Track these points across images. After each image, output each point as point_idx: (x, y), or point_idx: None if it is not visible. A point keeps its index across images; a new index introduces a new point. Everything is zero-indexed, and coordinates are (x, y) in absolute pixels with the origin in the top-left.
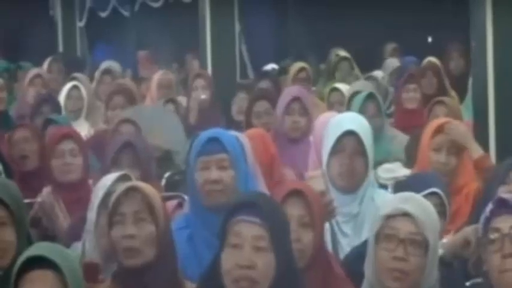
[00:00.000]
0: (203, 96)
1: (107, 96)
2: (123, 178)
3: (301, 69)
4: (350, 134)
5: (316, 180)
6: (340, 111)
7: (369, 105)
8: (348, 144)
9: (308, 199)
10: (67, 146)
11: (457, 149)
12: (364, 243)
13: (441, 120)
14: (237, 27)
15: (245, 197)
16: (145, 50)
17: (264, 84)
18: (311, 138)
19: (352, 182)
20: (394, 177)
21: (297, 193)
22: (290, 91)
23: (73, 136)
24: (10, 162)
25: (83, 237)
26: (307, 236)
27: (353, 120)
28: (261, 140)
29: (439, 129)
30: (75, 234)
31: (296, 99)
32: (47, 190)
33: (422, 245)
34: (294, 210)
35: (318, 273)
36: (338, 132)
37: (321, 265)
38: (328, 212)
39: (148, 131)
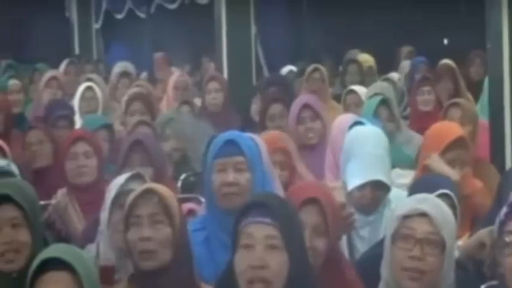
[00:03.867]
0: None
1: (126, 102)
2: (136, 177)
3: (315, 70)
4: None
5: (336, 192)
6: (356, 113)
7: (383, 110)
8: None
9: (323, 207)
10: (81, 148)
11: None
12: (380, 244)
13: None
14: (253, 29)
15: (256, 197)
16: (161, 51)
17: (274, 89)
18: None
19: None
20: (404, 184)
21: (312, 201)
22: (299, 100)
23: (87, 138)
24: (24, 163)
25: (97, 238)
26: (320, 245)
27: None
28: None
29: (453, 144)
30: (89, 236)
31: (306, 106)
32: (61, 192)
33: (439, 244)
34: (308, 219)
35: (329, 281)
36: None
37: (332, 272)
38: (348, 225)
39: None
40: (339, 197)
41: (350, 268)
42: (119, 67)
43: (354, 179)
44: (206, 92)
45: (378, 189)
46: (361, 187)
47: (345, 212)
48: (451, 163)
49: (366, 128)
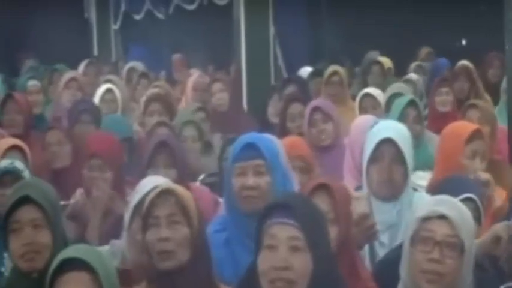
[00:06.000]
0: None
1: (144, 103)
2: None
3: (334, 73)
4: (388, 141)
5: (360, 201)
6: (375, 114)
7: (410, 111)
8: (387, 152)
9: (334, 194)
10: (96, 162)
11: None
12: (399, 247)
13: (471, 126)
14: (272, 29)
15: (279, 198)
16: (180, 52)
17: (291, 89)
18: (345, 142)
19: (391, 191)
20: (424, 186)
21: (322, 188)
22: (311, 104)
23: (101, 154)
24: (43, 164)
25: (121, 236)
26: (331, 232)
27: (392, 128)
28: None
29: (473, 136)
30: (108, 236)
31: (316, 109)
32: (79, 192)
33: (458, 247)
34: (319, 206)
35: (341, 270)
36: (376, 140)
37: (342, 263)
38: (370, 235)
39: None
40: (363, 207)
41: (362, 264)
42: (130, 65)
43: (369, 147)
44: (211, 94)
45: (396, 163)
46: (377, 159)
47: (368, 222)
48: (473, 155)
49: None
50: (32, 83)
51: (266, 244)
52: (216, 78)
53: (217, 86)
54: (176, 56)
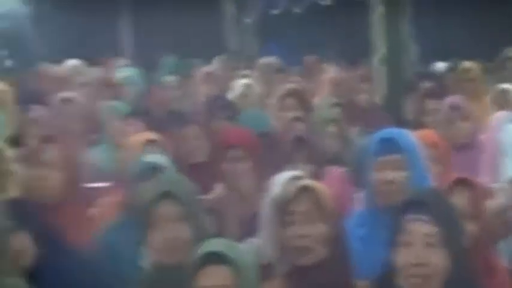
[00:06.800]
0: None
1: (280, 98)
2: (296, 178)
3: (468, 69)
4: None
5: (503, 192)
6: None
7: None
8: None
9: (473, 190)
10: (234, 153)
11: None
12: None
13: None
14: (407, 26)
15: (415, 194)
16: (315, 47)
17: (427, 84)
18: (481, 138)
19: None
20: None
21: (461, 183)
22: (448, 100)
23: (239, 145)
24: (180, 158)
25: (257, 233)
26: (468, 228)
27: None
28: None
29: None
30: (246, 230)
31: (454, 106)
32: (218, 186)
33: None
34: (459, 201)
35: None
36: None
37: (480, 258)
38: (509, 229)
39: None
40: (504, 200)
41: (499, 259)
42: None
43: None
44: (350, 89)
45: None
46: None
47: (507, 215)
48: None
49: None
50: (171, 78)
51: (402, 240)
52: (355, 73)
53: (355, 81)
54: (311, 51)
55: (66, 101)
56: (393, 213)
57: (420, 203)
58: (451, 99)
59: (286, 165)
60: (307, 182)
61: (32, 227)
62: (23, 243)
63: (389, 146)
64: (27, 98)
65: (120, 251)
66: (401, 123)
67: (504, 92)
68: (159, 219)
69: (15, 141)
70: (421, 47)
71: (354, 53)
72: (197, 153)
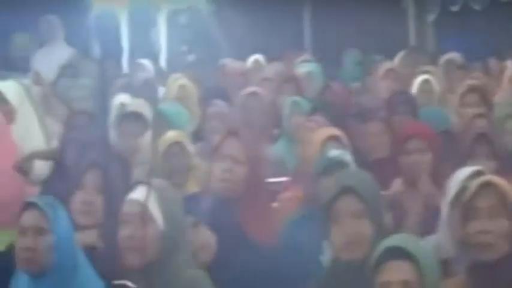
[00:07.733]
0: None
1: (461, 94)
2: (477, 174)
3: None
4: None
5: None
6: None
7: None
8: None
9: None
10: (415, 145)
11: None
12: None
13: None
14: None
15: None
16: (496, 44)
17: None
18: None
19: None
20: None
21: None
22: None
23: (419, 136)
24: (362, 154)
25: (437, 229)
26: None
27: None
28: None
29: None
30: (426, 226)
31: None
32: (398, 181)
33: None
34: None
35: None
36: None
37: None
38: None
39: None
40: None
41: None
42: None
43: None
44: None
45: None
46: None
47: None
48: None
49: None
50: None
51: None
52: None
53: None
54: (491, 48)
55: (252, 95)
56: None
57: None
58: None
59: (468, 161)
60: (490, 177)
61: (212, 221)
62: (205, 238)
63: None
64: (210, 93)
65: (301, 245)
66: None
67: None
68: (341, 214)
69: (198, 136)
70: None
71: None
72: (379, 148)
